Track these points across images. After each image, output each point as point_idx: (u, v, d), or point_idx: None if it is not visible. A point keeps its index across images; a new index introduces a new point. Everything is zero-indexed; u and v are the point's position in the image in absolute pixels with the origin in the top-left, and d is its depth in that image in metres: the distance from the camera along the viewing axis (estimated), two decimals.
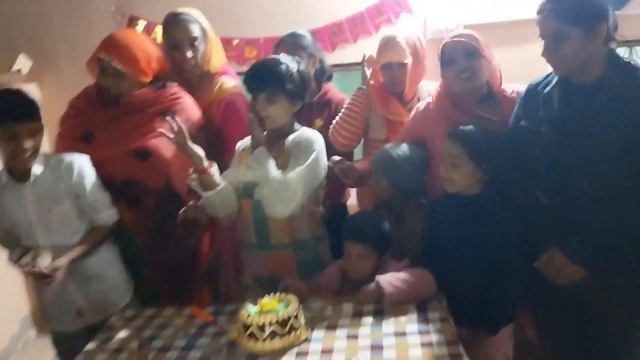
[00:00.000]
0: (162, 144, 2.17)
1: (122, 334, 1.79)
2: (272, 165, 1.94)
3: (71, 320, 2.05)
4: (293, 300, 1.67)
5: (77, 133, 2.22)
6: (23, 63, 3.16)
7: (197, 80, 2.46)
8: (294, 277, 1.98)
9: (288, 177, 1.92)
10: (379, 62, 2.39)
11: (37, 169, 1.98)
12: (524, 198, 1.87)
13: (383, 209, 2.16)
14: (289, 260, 2.05)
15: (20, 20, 3.28)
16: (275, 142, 2.04)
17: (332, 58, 3.21)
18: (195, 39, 2.37)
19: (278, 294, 1.73)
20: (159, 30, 3.18)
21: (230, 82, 2.52)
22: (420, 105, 2.24)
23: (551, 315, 1.96)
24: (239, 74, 3.32)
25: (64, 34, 3.29)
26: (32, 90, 3.29)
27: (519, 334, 2.03)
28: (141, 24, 3.22)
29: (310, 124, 2.43)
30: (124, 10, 3.24)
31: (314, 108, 2.54)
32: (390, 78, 2.37)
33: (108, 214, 2.10)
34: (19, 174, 1.98)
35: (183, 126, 1.95)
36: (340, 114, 2.45)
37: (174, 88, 2.30)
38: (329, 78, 2.66)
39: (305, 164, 1.95)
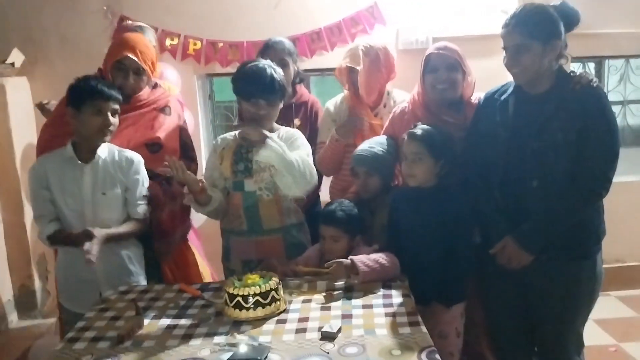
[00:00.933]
0: (170, 136, 2.42)
1: (119, 305, 1.96)
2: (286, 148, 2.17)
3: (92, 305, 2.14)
4: (274, 276, 1.88)
5: None
6: (16, 57, 3.28)
7: None
8: (282, 259, 2.20)
9: (306, 159, 2.19)
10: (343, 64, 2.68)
11: (102, 152, 2.17)
12: (480, 193, 2.11)
13: (357, 203, 2.39)
14: (278, 244, 2.27)
15: (15, 16, 3.37)
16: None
17: (310, 63, 3.42)
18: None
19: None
20: None
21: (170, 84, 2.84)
22: (397, 109, 2.48)
23: (498, 296, 2.20)
24: (223, 74, 3.54)
25: (56, 30, 3.41)
26: (23, 83, 3.43)
27: (470, 313, 2.26)
28: None
29: (289, 124, 2.68)
30: (115, 10, 3.37)
31: (293, 109, 2.77)
32: (352, 79, 2.66)
33: (145, 209, 2.29)
34: (84, 153, 2.17)
35: (179, 162, 2.10)
36: (325, 152, 2.65)
37: (161, 87, 2.56)
38: (301, 81, 2.90)
39: (308, 152, 2.26)
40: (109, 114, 2.14)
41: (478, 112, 2.22)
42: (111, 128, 2.16)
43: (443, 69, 2.26)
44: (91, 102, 2.10)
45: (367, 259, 1.98)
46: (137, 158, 2.27)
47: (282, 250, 2.28)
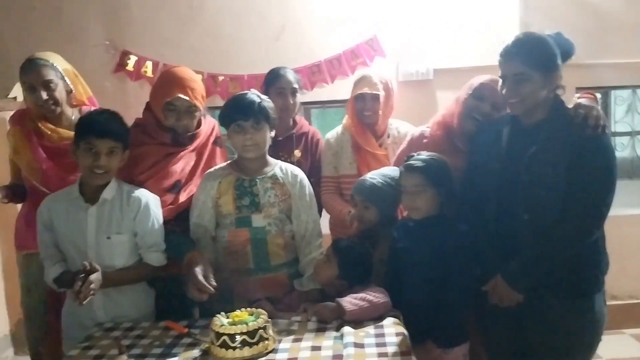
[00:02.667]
0: None
1: (103, 342, 1.89)
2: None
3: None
4: (263, 314, 1.81)
5: (168, 183, 2.30)
6: (18, 91, 3.29)
7: (58, 114, 2.42)
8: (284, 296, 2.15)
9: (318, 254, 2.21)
10: (353, 94, 2.65)
11: (107, 194, 2.06)
12: (475, 226, 2.04)
13: (358, 237, 2.32)
14: (284, 279, 2.18)
15: (17, 51, 3.37)
16: (259, 170, 2.19)
17: (310, 96, 3.41)
18: (50, 81, 2.37)
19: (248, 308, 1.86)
20: (149, 65, 3.38)
21: None
22: (416, 132, 2.46)
23: (497, 335, 2.11)
24: (217, 108, 3.54)
25: None
26: None
27: (477, 356, 2.17)
28: (132, 59, 3.39)
29: (290, 154, 2.67)
30: (117, 45, 3.40)
31: (294, 140, 2.75)
32: (361, 108, 2.63)
33: (157, 256, 2.13)
34: (90, 194, 2.06)
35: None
36: (331, 210, 2.69)
37: (207, 116, 2.50)
38: (298, 111, 2.88)
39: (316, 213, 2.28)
40: (102, 154, 1.98)
41: (474, 143, 2.18)
42: (99, 170, 2.00)
43: (488, 103, 2.20)
44: (85, 139, 1.99)
45: (354, 298, 1.91)
46: (145, 199, 2.11)
47: (287, 285, 2.19)
